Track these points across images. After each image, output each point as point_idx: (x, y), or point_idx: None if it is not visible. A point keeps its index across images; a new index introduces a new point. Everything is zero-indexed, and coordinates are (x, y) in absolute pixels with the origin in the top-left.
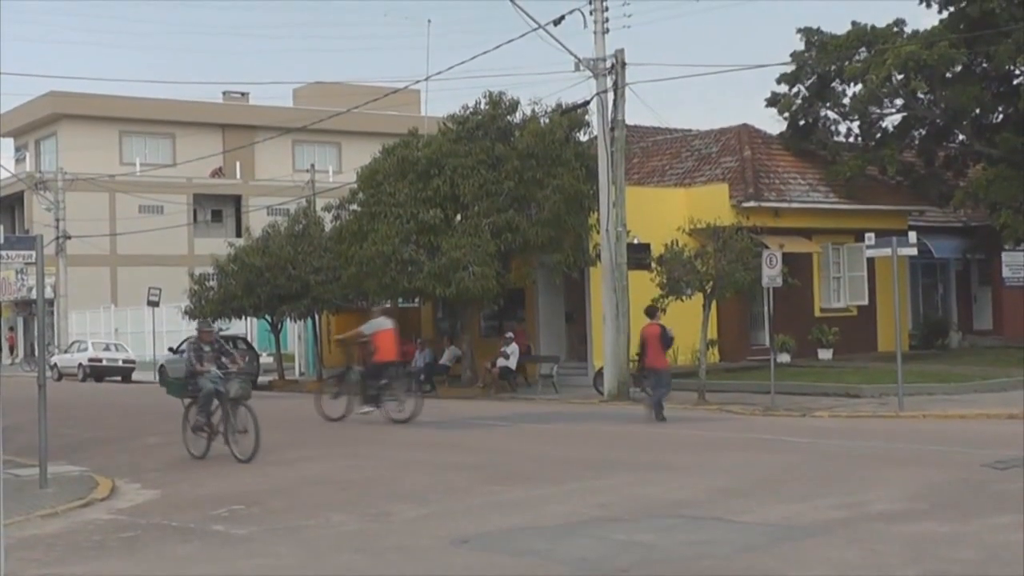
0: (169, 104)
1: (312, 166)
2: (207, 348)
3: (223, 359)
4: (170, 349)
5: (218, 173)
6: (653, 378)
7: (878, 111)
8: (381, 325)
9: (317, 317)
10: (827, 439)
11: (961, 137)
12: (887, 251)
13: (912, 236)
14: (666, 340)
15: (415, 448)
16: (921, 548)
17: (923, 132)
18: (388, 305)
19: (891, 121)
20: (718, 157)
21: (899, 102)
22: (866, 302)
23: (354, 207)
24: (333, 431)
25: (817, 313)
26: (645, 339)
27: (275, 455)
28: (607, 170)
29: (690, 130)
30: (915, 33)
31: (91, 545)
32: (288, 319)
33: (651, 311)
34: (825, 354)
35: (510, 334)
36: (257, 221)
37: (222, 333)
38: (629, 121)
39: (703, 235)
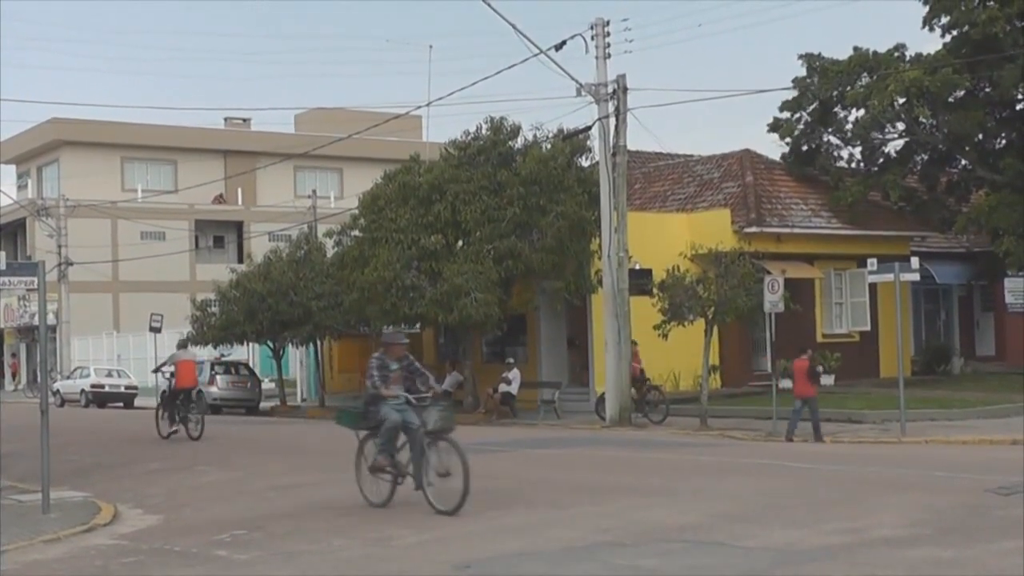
0: (171, 130)
1: (314, 192)
2: (394, 366)
3: (416, 380)
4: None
5: (220, 200)
6: (808, 405)
7: (880, 136)
8: (182, 356)
9: (319, 343)
10: (829, 464)
11: (964, 163)
12: (889, 277)
13: (914, 262)
14: (813, 374)
15: None
16: (923, 573)
17: (925, 157)
18: (404, 333)
19: (893, 146)
20: (720, 182)
21: (901, 127)
22: (868, 328)
23: (356, 233)
24: (333, 457)
25: (819, 339)
26: (794, 371)
27: (277, 480)
28: (609, 196)
29: (692, 155)
30: (917, 57)
31: (94, 570)
32: (290, 345)
33: (803, 349)
34: (827, 380)
35: (511, 359)
36: (259, 247)
37: (224, 359)
38: (631, 146)
39: (705, 260)
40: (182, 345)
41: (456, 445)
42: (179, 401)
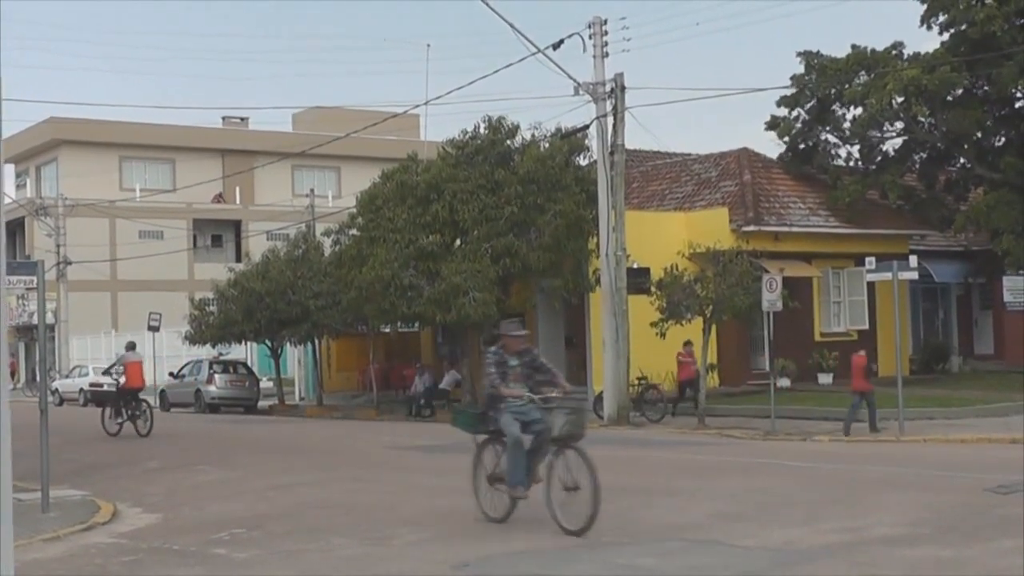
0: (169, 129)
1: (311, 191)
2: (514, 362)
3: (538, 377)
4: (171, 374)
5: (219, 199)
6: (865, 399)
7: (878, 135)
8: (131, 358)
9: (317, 342)
10: (828, 463)
11: (962, 161)
12: (888, 275)
13: (913, 260)
14: (868, 370)
15: (416, 472)
16: (922, 572)
17: (924, 156)
18: (522, 323)
19: (892, 145)
20: (718, 181)
21: (900, 126)
22: (866, 326)
23: (353, 232)
24: (332, 456)
25: (817, 337)
26: (852, 367)
27: (276, 479)
28: (607, 194)
29: (689, 154)
30: (915, 56)
31: (93, 569)
32: (288, 344)
33: (861, 346)
34: (825, 378)
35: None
36: (257, 246)
37: (222, 357)
38: (628, 145)
39: (703, 259)
40: (130, 347)
41: (584, 455)
42: (126, 400)
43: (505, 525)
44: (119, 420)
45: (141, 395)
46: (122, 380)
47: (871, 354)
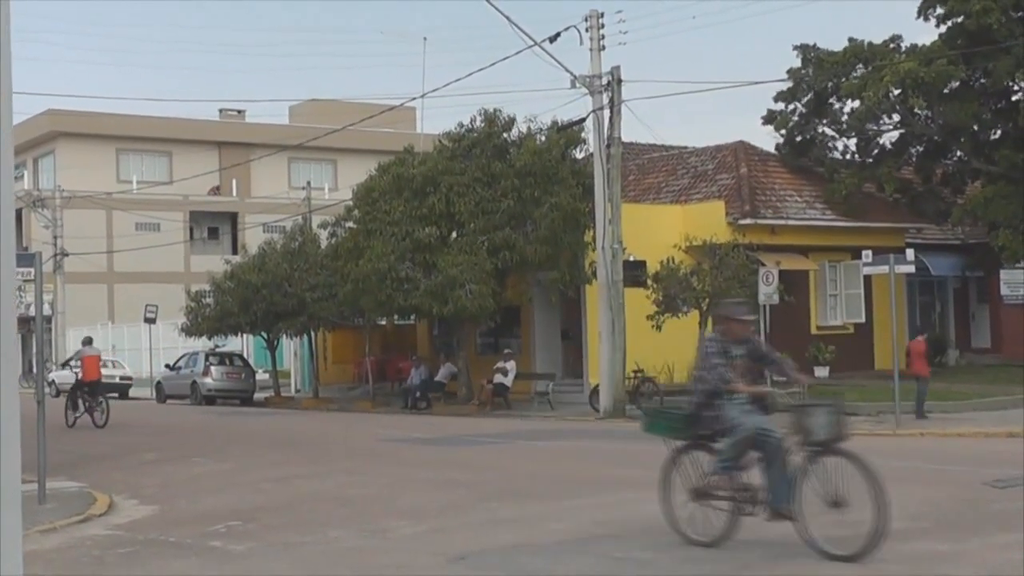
0: (166, 122)
1: (308, 183)
2: (737, 351)
3: (766, 369)
4: (167, 366)
5: (215, 191)
6: (919, 383)
7: (875, 128)
8: (87, 352)
9: (313, 334)
10: (824, 457)
11: (959, 154)
12: (884, 268)
13: (910, 253)
14: (928, 355)
15: (413, 465)
16: (921, 566)
17: (921, 149)
18: (748, 305)
19: (888, 138)
20: (714, 174)
21: (896, 119)
22: (863, 320)
23: (350, 224)
24: (328, 448)
25: (814, 331)
26: (912, 353)
27: (272, 471)
28: (603, 187)
29: (686, 147)
30: (913, 49)
31: (89, 560)
32: (284, 336)
33: (920, 331)
34: (821, 372)
35: (508, 351)
36: (253, 238)
37: (218, 350)
38: (625, 138)
39: (699, 252)
40: (87, 342)
41: (857, 460)
42: (84, 392)
43: (500, 520)
44: (76, 413)
45: (112, 389)
46: (79, 374)
47: (867, 347)
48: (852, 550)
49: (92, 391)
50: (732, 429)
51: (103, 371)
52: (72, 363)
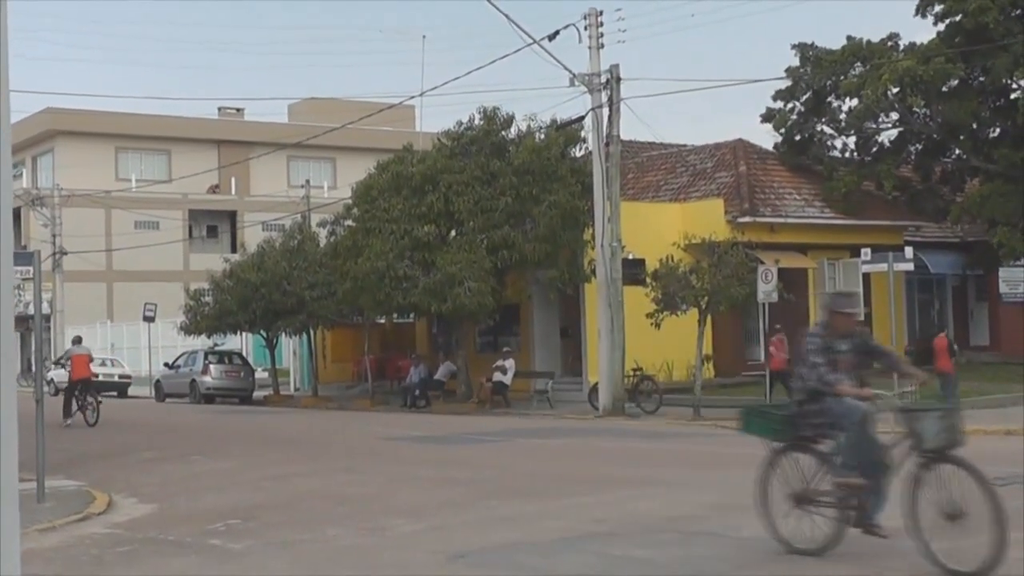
0: (165, 120)
1: (307, 182)
2: (843, 346)
3: (874, 365)
4: (166, 364)
5: (214, 190)
6: (943, 379)
7: (874, 126)
8: (76, 351)
9: (312, 332)
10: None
11: (958, 152)
12: (883, 267)
13: (908, 252)
14: (952, 350)
15: (411, 463)
16: (921, 564)
17: (919, 147)
18: (856, 297)
19: (887, 136)
20: (713, 172)
21: (895, 117)
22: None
23: (349, 223)
24: (327, 447)
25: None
26: (936, 349)
27: (271, 470)
28: (602, 185)
29: (685, 145)
30: (911, 47)
31: (89, 559)
32: (283, 334)
33: (940, 327)
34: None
35: (507, 348)
36: (252, 237)
37: (217, 348)
38: (624, 136)
39: (698, 250)
40: (76, 341)
41: (972, 469)
42: (77, 391)
43: (499, 518)
44: (69, 418)
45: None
46: (70, 373)
47: None
48: (973, 567)
49: (83, 389)
50: (845, 416)
51: (102, 369)
52: (63, 362)
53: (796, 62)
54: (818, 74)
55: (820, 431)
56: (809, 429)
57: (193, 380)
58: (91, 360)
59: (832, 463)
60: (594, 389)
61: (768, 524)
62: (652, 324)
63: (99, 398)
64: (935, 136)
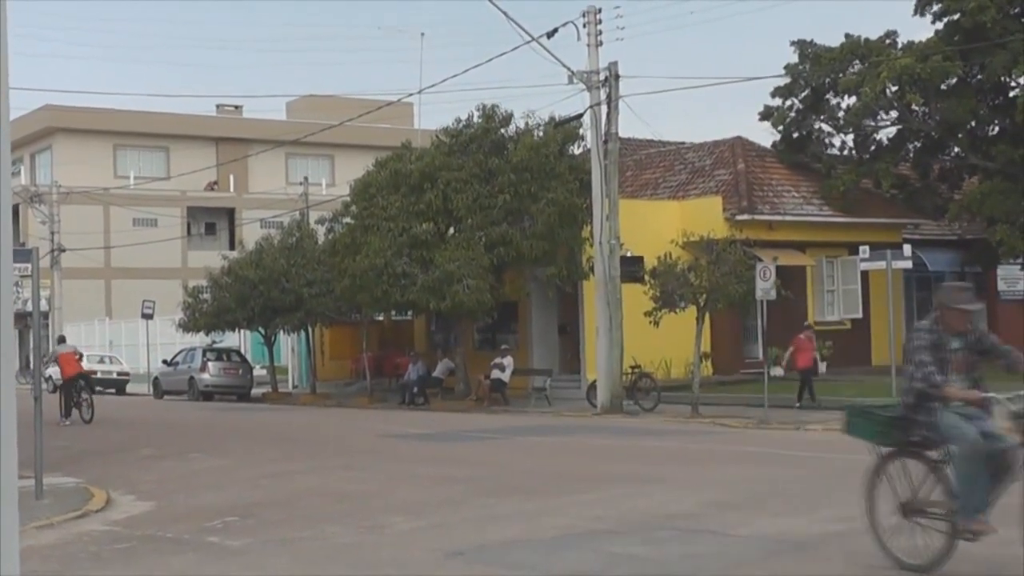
0: (163, 117)
1: (305, 179)
2: (955, 344)
3: (993, 364)
4: (164, 361)
5: (213, 187)
6: None
7: (872, 124)
8: (62, 350)
9: (310, 330)
10: (822, 452)
11: (956, 150)
12: (881, 264)
13: (907, 249)
14: None
15: (410, 461)
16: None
17: (918, 145)
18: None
19: (886, 134)
20: (712, 170)
21: (894, 115)
22: (860, 315)
23: (347, 220)
24: (325, 445)
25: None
26: None
27: (270, 467)
28: (600, 183)
29: (683, 143)
30: (909, 45)
31: (87, 556)
32: (281, 332)
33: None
34: (819, 367)
35: (506, 346)
36: (251, 234)
37: (215, 345)
38: (623, 133)
39: (696, 248)
40: (60, 341)
41: None
42: (74, 389)
43: (497, 515)
44: (67, 420)
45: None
46: (59, 372)
47: (864, 342)
48: None
49: (79, 386)
50: (951, 440)
51: (100, 366)
52: (49, 363)
53: (795, 59)
54: (817, 71)
55: (929, 437)
56: (919, 433)
57: (191, 377)
58: (80, 356)
59: (945, 478)
60: (592, 387)
61: (874, 535)
62: (650, 322)
63: (91, 396)
64: (933, 134)
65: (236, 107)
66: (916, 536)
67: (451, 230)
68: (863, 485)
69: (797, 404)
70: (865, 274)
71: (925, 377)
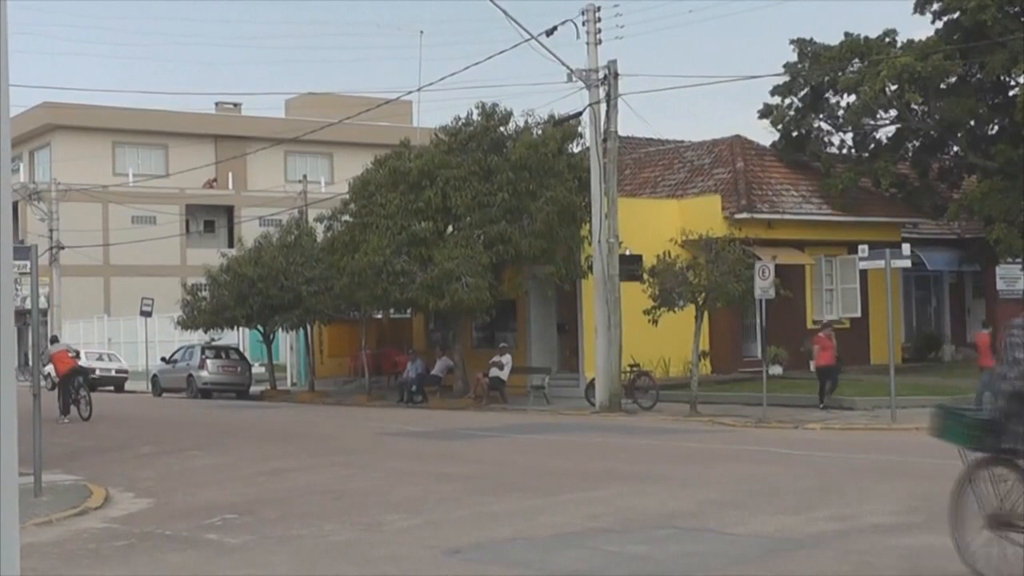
0: (162, 115)
1: (304, 177)
2: None
3: None
4: (163, 359)
5: (212, 184)
6: (987, 374)
7: (872, 122)
8: (53, 349)
9: (309, 328)
10: (820, 451)
11: (956, 149)
12: (880, 263)
13: (905, 248)
14: (995, 347)
15: (407, 459)
16: (916, 560)
17: (917, 144)
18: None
19: (885, 132)
20: (711, 168)
21: (893, 113)
22: (859, 314)
23: (346, 218)
24: (324, 442)
25: (810, 325)
26: (978, 345)
27: (268, 465)
28: (599, 181)
29: (682, 141)
30: (909, 44)
31: (85, 553)
32: (280, 329)
33: (984, 323)
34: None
35: (504, 344)
36: (249, 232)
37: (214, 343)
38: (621, 132)
39: (695, 246)
40: (52, 341)
41: None
42: (72, 387)
43: (495, 514)
44: (66, 418)
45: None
46: (54, 372)
47: (863, 341)
48: None
49: (73, 383)
50: None
51: (99, 364)
52: (44, 362)
53: (794, 58)
54: (816, 70)
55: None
56: (1012, 439)
57: (190, 375)
58: (73, 353)
59: None
60: (591, 385)
61: (957, 545)
62: (649, 320)
63: (90, 393)
64: (933, 133)
65: (235, 105)
66: (1002, 551)
67: (450, 228)
68: (952, 491)
69: (821, 405)
70: (864, 273)
71: (1021, 376)
